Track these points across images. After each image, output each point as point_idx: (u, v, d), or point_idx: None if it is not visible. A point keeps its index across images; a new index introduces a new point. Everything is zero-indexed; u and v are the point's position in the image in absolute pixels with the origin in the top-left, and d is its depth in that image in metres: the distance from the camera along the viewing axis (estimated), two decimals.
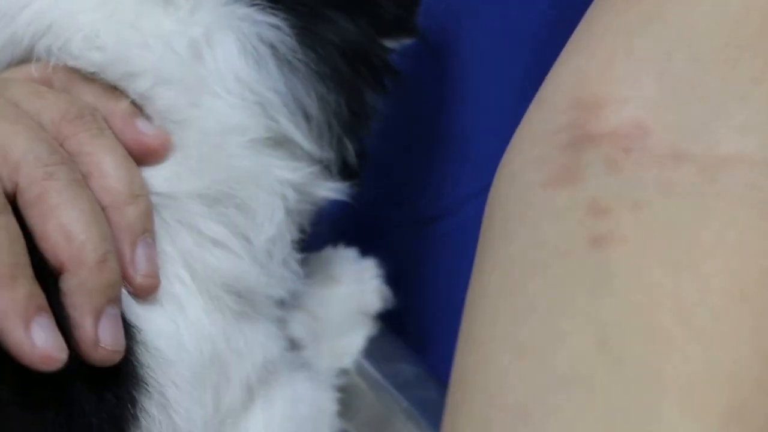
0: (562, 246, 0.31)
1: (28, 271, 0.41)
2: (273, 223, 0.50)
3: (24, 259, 0.41)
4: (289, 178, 0.50)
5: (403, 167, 0.64)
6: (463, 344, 0.32)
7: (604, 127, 0.33)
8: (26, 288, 0.40)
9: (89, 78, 0.48)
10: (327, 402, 0.57)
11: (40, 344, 0.40)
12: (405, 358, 0.60)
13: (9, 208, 0.42)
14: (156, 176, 0.48)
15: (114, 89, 0.48)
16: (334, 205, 0.55)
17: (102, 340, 0.43)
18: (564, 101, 0.35)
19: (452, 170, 0.62)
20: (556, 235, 0.31)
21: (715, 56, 0.33)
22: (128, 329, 0.45)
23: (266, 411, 0.53)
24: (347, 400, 0.58)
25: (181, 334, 0.48)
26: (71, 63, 0.48)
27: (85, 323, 0.42)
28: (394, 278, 0.61)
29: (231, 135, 0.48)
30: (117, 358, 0.43)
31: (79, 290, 0.43)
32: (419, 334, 0.63)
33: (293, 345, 0.58)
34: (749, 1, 0.34)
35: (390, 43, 0.54)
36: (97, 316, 0.43)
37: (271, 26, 0.49)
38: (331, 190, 0.53)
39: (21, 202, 0.43)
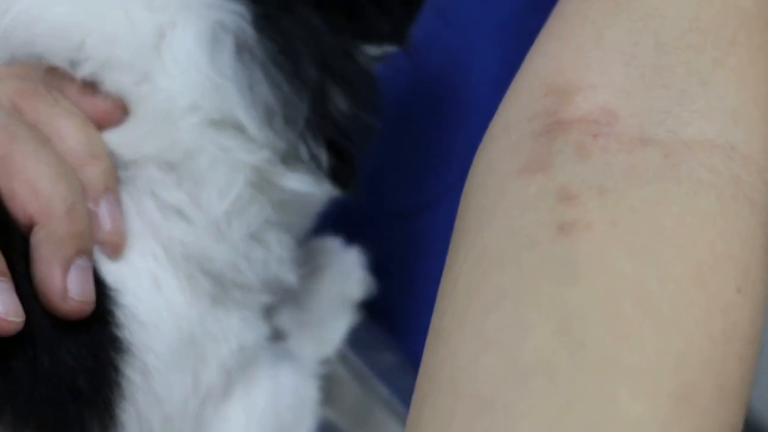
0: (532, 235, 0.31)
1: None
2: (228, 196, 0.50)
3: None
4: (244, 159, 0.50)
5: (381, 161, 0.64)
6: (432, 337, 0.32)
7: (575, 113, 0.33)
8: None
9: (42, 66, 0.49)
10: (310, 391, 0.58)
11: None
12: (387, 347, 0.60)
13: None
14: (118, 146, 0.48)
15: (64, 73, 0.49)
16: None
17: (71, 291, 0.42)
18: (539, 88, 0.35)
19: (430, 164, 0.63)
20: (527, 224, 0.31)
21: (678, 42, 0.34)
22: (107, 291, 0.46)
23: (247, 400, 0.53)
24: (329, 388, 0.58)
25: (159, 308, 0.48)
26: (31, 51, 0.49)
27: (54, 274, 0.42)
28: (375, 270, 0.61)
29: (182, 112, 0.49)
30: (87, 310, 0.43)
31: (48, 241, 0.42)
32: (401, 324, 0.63)
33: (277, 335, 0.58)
34: None
35: (373, 50, 0.53)
36: (66, 267, 0.42)
37: (234, 13, 0.49)
38: (298, 181, 0.52)
39: None
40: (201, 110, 0.49)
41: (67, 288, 0.42)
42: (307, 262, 0.61)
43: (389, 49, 0.54)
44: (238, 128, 0.50)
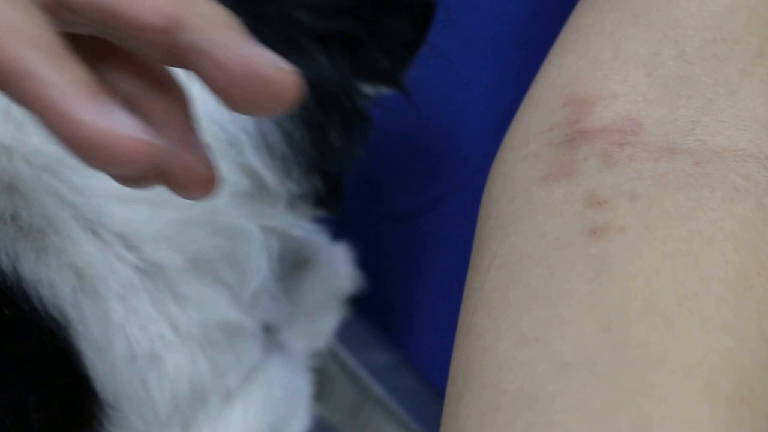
0: (561, 237, 0.31)
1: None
2: (260, 274, 0.51)
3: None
4: (269, 225, 0.51)
5: (380, 164, 0.64)
6: (462, 336, 0.32)
7: (597, 123, 0.34)
8: (78, 68, 0.29)
9: None
10: (302, 383, 0.58)
11: (118, 125, 0.28)
12: (380, 346, 0.60)
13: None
14: (148, 241, 0.47)
15: None
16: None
17: (274, 59, 0.31)
18: (556, 100, 0.35)
19: (427, 167, 0.63)
20: (555, 227, 0.32)
21: (703, 52, 0.34)
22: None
23: (244, 400, 0.54)
24: (322, 386, 0.59)
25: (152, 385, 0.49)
26: None
27: (248, 49, 0.30)
28: (370, 270, 0.62)
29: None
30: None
31: (211, 25, 0.30)
32: (396, 323, 0.63)
33: (268, 329, 0.58)
34: None
35: (368, 89, 0.53)
36: (247, 39, 0.31)
37: None
38: (305, 230, 0.54)
39: None
40: (229, 185, 0.48)
41: (268, 57, 0.31)
42: (294, 257, 0.61)
43: (384, 90, 0.54)
44: (260, 191, 0.50)
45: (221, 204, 0.49)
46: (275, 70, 0.30)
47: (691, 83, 0.34)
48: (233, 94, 0.30)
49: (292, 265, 0.60)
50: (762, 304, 0.29)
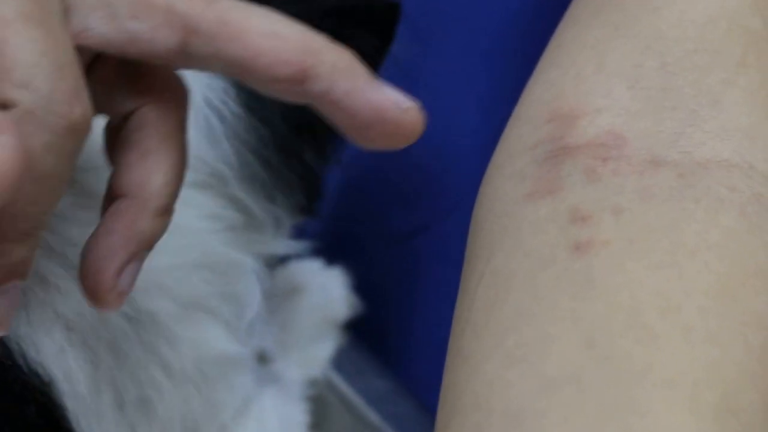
0: (546, 255, 0.31)
1: None
2: (255, 303, 0.50)
3: None
4: (260, 252, 0.51)
5: (375, 185, 0.64)
6: (451, 358, 0.32)
7: (581, 138, 0.33)
8: None
9: None
10: (297, 414, 0.58)
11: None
12: (376, 373, 0.60)
13: None
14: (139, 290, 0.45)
15: None
16: (308, 222, 0.55)
17: None
18: (540, 116, 0.35)
19: (423, 188, 0.63)
20: (539, 244, 0.32)
21: (685, 62, 0.34)
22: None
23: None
24: (318, 414, 0.58)
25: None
26: None
27: (370, 89, 0.32)
28: (367, 294, 0.61)
29: (210, 226, 0.49)
30: None
31: (333, 71, 0.32)
32: (393, 349, 0.63)
33: (262, 358, 0.58)
34: (714, 9, 0.35)
35: None
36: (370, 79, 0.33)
37: (216, 88, 0.48)
38: (287, 247, 0.54)
39: (197, 42, 0.31)
40: (222, 219, 0.49)
41: (394, 99, 0.33)
42: (288, 283, 0.61)
43: None
44: (248, 222, 0.50)
45: (216, 242, 0.49)
46: (401, 111, 0.32)
47: (674, 94, 0.34)
48: (364, 136, 0.32)
49: (286, 292, 0.60)
50: (747, 314, 0.29)
